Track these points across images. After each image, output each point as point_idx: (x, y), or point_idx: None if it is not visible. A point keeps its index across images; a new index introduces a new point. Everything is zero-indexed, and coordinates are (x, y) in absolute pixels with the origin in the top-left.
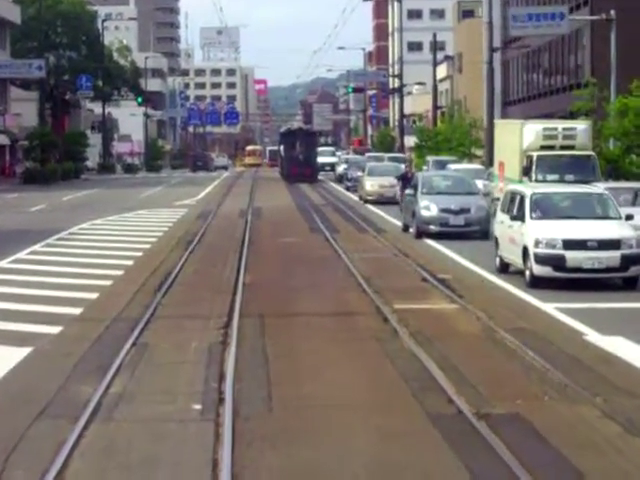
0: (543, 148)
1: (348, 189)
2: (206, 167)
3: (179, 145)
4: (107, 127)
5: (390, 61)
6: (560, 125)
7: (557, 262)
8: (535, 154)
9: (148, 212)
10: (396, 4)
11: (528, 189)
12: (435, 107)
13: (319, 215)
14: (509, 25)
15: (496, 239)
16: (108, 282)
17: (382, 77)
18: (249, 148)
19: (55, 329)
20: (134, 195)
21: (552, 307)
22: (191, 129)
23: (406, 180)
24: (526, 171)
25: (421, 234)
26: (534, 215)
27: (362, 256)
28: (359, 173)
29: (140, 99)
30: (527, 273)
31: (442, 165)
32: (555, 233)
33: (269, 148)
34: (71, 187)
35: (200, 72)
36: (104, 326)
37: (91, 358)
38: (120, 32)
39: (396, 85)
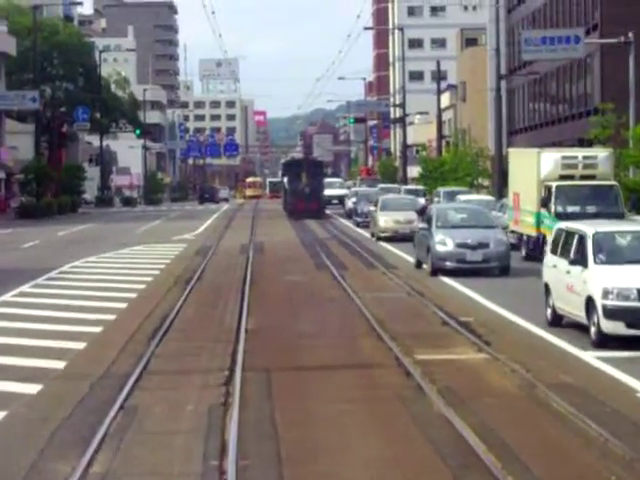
0: (562, 178)
1: (358, 225)
2: (213, 199)
3: (179, 177)
4: (105, 160)
5: (391, 91)
6: (580, 153)
7: (632, 317)
8: (554, 184)
9: (145, 248)
10: (397, 33)
11: (588, 227)
12: (440, 136)
13: (324, 250)
14: (522, 49)
15: (546, 286)
16: (98, 329)
17: (384, 107)
18: (249, 180)
19: (34, 388)
20: (131, 229)
21: (593, 356)
22: (191, 161)
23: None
24: (545, 202)
25: (436, 271)
26: (599, 259)
27: (374, 296)
28: (371, 207)
29: (138, 131)
30: (592, 330)
31: (453, 196)
32: (628, 281)
33: (270, 179)
34: (67, 222)
35: (199, 104)
36: (89, 384)
37: (71, 425)
38: (118, 64)
39: (397, 115)
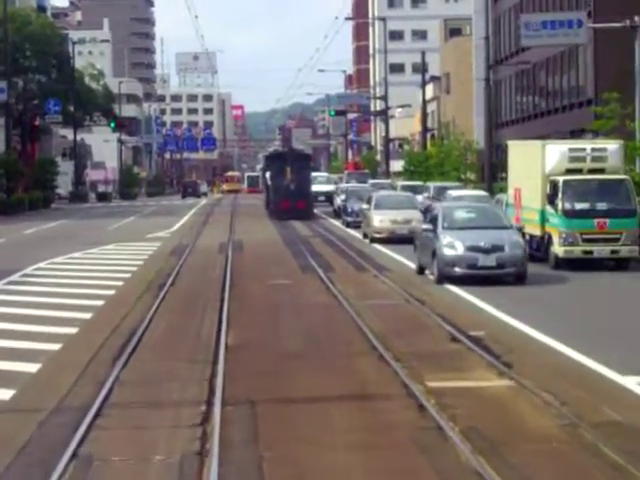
0: (569, 172)
1: (348, 225)
2: (195, 193)
3: (155, 172)
4: (80, 154)
5: (372, 83)
6: (588, 145)
7: None
8: (561, 179)
9: (117, 247)
10: (377, 25)
11: None
12: (425, 129)
13: (309, 250)
14: (521, 34)
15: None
16: (56, 345)
17: (365, 99)
18: (228, 174)
19: None
20: (104, 226)
21: (635, 382)
22: (167, 155)
23: None
24: (551, 199)
25: (443, 278)
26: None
27: (369, 304)
28: (363, 205)
29: (113, 124)
30: None
31: (443, 192)
32: None
33: (248, 174)
34: (39, 218)
35: (176, 97)
36: (37, 422)
37: None
38: (94, 57)
39: (378, 108)
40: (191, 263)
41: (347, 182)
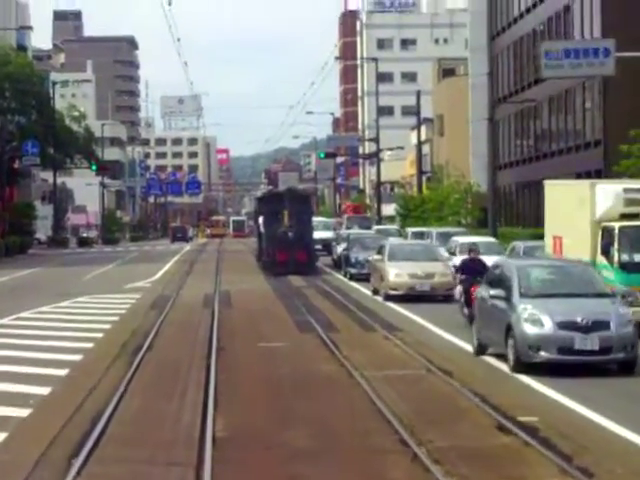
0: (625, 217)
1: (352, 277)
2: (184, 238)
3: (139, 216)
4: (61, 198)
5: (360, 126)
6: None
7: None
8: (616, 226)
9: (90, 300)
10: (367, 67)
11: None
12: (420, 172)
13: (303, 301)
14: (541, 64)
15: None
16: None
17: (356, 141)
18: (213, 218)
19: None
20: (80, 275)
21: None
22: (152, 199)
23: (471, 271)
24: (606, 249)
25: (523, 365)
26: None
27: (384, 375)
28: (374, 256)
29: (95, 167)
30: None
31: (447, 238)
32: None
33: (233, 218)
34: (13, 265)
35: (161, 141)
36: None
37: None
38: (77, 100)
39: (367, 151)
40: (173, 319)
41: (347, 228)
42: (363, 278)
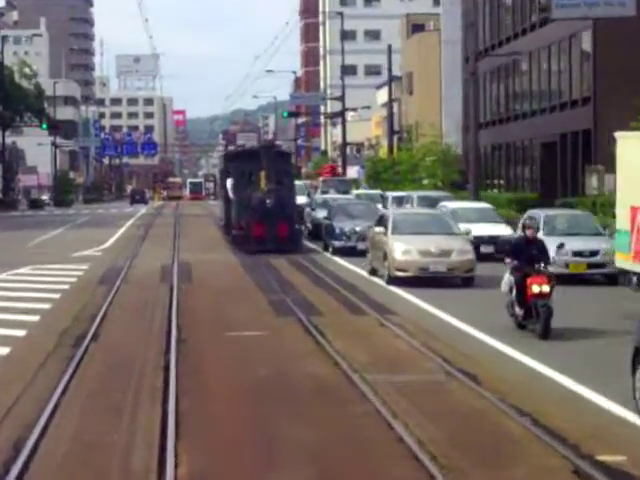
0: None
1: (335, 252)
2: (143, 200)
3: (93, 177)
4: (11, 158)
5: (322, 86)
6: None
7: None
8: None
9: (31, 272)
10: (329, 25)
11: None
12: (392, 132)
13: (276, 276)
14: (552, 3)
15: None
16: None
17: (321, 100)
18: (170, 180)
19: None
20: (24, 241)
21: None
22: (106, 160)
23: (526, 256)
24: None
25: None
26: None
27: (392, 381)
28: (355, 226)
29: (45, 125)
30: None
31: (430, 202)
32: None
33: (190, 180)
34: None
35: (116, 101)
36: None
37: None
38: (30, 58)
39: (329, 111)
40: (124, 299)
41: (323, 192)
42: (348, 252)
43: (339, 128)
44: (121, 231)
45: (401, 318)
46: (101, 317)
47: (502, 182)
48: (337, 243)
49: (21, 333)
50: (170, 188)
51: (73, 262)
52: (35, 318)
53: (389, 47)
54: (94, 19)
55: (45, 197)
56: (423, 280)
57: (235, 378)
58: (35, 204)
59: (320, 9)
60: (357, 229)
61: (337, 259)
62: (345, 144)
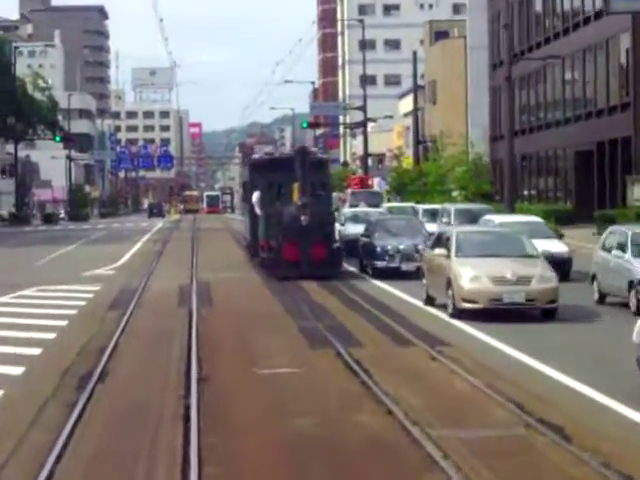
0: None
1: (375, 274)
2: (160, 213)
3: (108, 191)
4: (25, 172)
5: (340, 96)
6: None
7: None
8: None
9: (38, 294)
10: (347, 35)
11: None
12: (417, 142)
13: (306, 300)
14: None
15: None
16: None
17: (342, 109)
18: (187, 193)
19: None
20: (34, 258)
21: None
22: (122, 174)
23: None
24: None
25: None
26: None
27: (461, 437)
28: (398, 245)
29: (58, 138)
30: None
31: (470, 216)
32: None
33: (207, 193)
34: None
35: (132, 114)
36: None
37: None
38: (44, 71)
39: (349, 122)
40: (136, 328)
41: (352, 205)
42: (392, 274)
43: (359, 139)
44: (136, 247)
45: (477, 365)
46: (110, 350)
47: (533, 193)
48: (379, 264)
49: (18, 371)
50: (187, 201)
51: (83, 282)
52: (36, 352)
53: (414, 54)
54: (109, 31)
55: (60, 211)
56: (495, 313)
57: (269, 432)
58: (49, 219)
59: (339, 17)
60: (400, 247)
61: (378, 283)
62: (367, 155)
